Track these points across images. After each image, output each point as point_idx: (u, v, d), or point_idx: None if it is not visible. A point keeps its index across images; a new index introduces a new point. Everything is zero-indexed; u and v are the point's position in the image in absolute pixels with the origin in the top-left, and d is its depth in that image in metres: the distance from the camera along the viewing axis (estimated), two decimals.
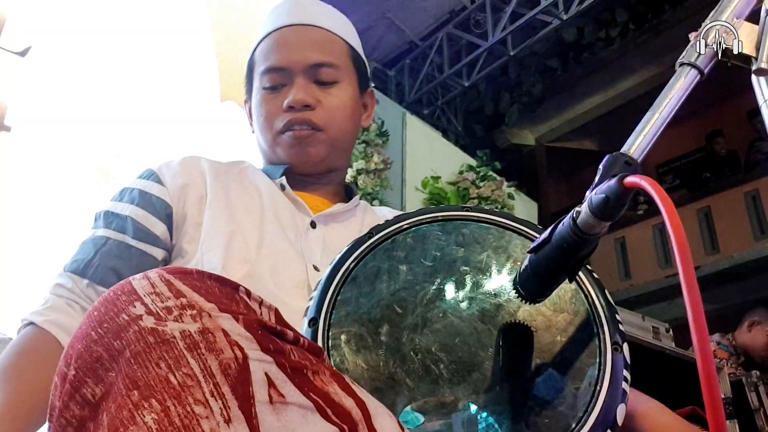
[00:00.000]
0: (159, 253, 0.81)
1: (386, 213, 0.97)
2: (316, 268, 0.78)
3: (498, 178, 4.31)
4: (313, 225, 0.85)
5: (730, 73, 0.58)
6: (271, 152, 0.91)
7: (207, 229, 0.79)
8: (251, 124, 0.95)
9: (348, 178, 3.56)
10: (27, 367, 0.70)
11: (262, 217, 0.82)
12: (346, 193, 0.97)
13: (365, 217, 0.93)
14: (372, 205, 1.02)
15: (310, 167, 0.90)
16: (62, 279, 0.78)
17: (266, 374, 0.36)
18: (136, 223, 0.80)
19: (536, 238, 0.62)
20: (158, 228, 0.81)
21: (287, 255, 0.79)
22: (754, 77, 0.53)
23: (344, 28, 0.94)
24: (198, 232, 0.80)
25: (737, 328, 2.87)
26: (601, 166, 0.51)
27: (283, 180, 0.88)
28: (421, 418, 0.51)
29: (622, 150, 0.52)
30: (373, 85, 1.02)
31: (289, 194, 0.87)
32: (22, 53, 2.51)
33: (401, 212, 0.99)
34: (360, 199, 0.97)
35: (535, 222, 0.66)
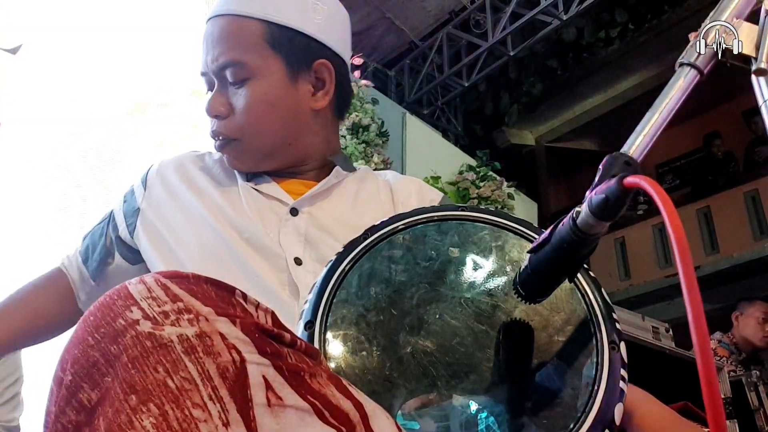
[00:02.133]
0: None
1: (390, 177, 0.92)
2: (297, 261, 0.75)
3: (498, 178, 4.31)
4: (294, 212, 0.80)
5: (726, 74, 0.58)
6: None
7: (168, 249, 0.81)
8: None
9: None
10: (28, 291, 0.89)
11: (243, 216, 0.80)
12: (329, 169, 0.89)
13: (361, 186, 0.87)
14: None
15: (252, 169, 0.84)
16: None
17: (264, 377, 0.36)
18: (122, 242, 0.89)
19: (532, 237, 0.62)
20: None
21: (268, 253, 0.76)
22: (753, 77, 0.53)
23: (261, 1, 0.79)
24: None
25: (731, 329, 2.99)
26: (600, 166, 0.51)
27: (250, 182, 0.84)
28: (419, 420, 0.51)
29: (621, 150, 0.52)
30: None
31: (261, 188, 0.83)
32: (13, 51, 2.51)
33: (406, 177, 0.93)
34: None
35: (535, 222, 0.66)
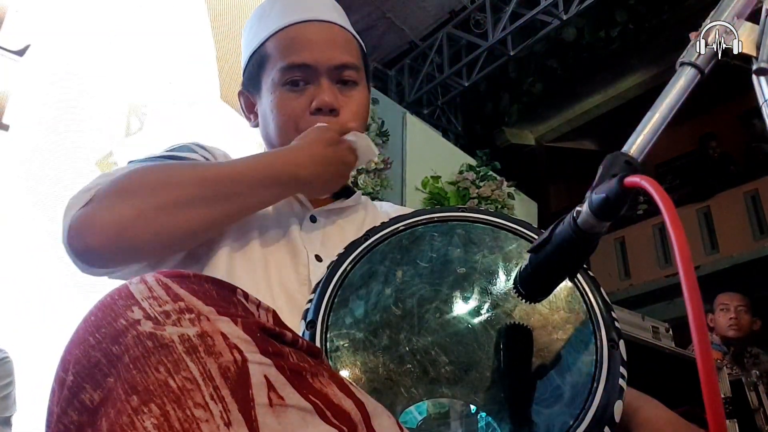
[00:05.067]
0: None
1: (387, 208, 0.97)
2: (318, 258, 0.77)
3: (498, 177, 4.31)
4: (313, 219, 0.84)
5: (723, 76, 0.58)
6: None
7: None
8: (249, 118, 0.92)
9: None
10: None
11: (266, 211, 0.82)
12: (345, 190, 0.96)
13: (366, 213, 0.93)
14: None
15: None
16: None
17: (265, 377, 0.36)
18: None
19: (532, 237, 0.62)
20: None
21: (290, 247, 0.79)
22: (754, 77, 0.53)
23: (350, 26, 0.92)
24: None
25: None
26: (601, 166, 0.51)
27: None
28: (420, 418, 0.51)
29: (622, 149, 0.52)
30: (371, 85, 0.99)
31: None
32: (20, 52, 2.51)
33: (402, 207, 0.98)
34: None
35: (535, 222, 0.66)
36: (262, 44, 0.86)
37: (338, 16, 0.88)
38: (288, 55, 0.83)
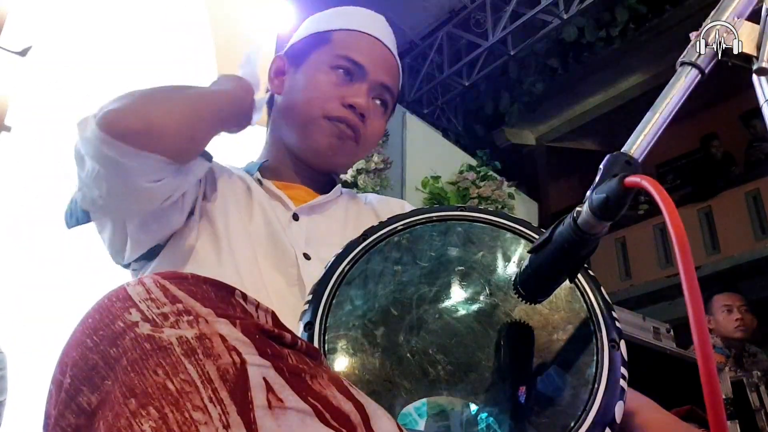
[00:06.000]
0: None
1: (371, 199, 0.99)
2: (306, 256, 0.78)
3: (498, 177, 4.31)
4: (295, 217, 0.85)
5: (724, 75, 0.57)
6: (296, 124, 0.90)
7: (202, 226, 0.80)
8: (271, 80, 0.95)
9: (348, 177, 3.58)
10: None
11: (251, 213, 0.83)
12: (328, 185, 0.97)
13: (349, 206, 0.94)
14: None
15: (323, 161, 0.91)
16: None
17: (264, 379, 0.36)
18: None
19: (532, 237, 0.62)
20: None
21: (276, 247, 0.79)
22: (754, 77, 0.53)
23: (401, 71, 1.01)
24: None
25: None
26: (601, 166, 0.51)
27: (258, 175, 0.89)
28: (419, 419, 0.51)
29: (622, 149, 0.52)
30: None
31: (268, 188, 0.88)
32: (23, 53, 2.51)
33: (389, 198, 1.01)
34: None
35: (536, 222, 0.66)
36: (330, 30, 0.93)
37: (397, 54, 0.97)
38: (351, 50, 0.90)
